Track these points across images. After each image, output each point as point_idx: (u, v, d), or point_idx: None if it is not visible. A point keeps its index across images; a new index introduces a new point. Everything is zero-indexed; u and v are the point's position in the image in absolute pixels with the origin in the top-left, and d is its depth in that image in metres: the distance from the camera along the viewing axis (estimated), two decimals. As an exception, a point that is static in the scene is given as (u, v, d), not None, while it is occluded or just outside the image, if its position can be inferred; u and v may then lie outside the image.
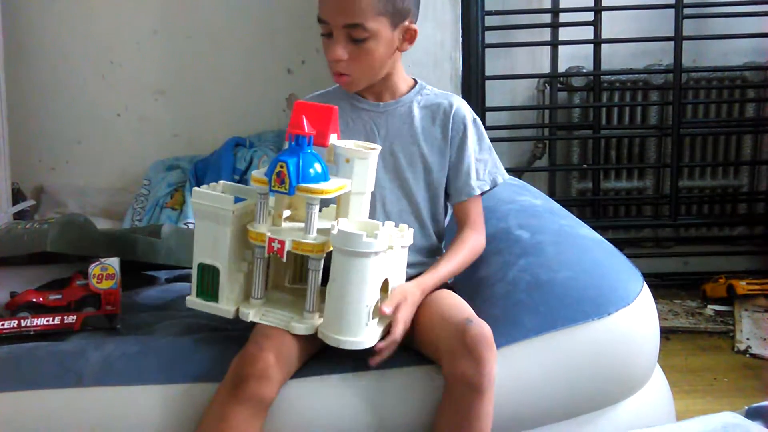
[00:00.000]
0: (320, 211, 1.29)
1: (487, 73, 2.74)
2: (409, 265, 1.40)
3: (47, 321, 1.47)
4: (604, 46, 2.82)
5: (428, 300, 1.35)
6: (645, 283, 1.48)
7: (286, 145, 1.27)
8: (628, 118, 2.96)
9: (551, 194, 2.87)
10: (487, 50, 2.73)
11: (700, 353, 2.36)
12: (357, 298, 1.21)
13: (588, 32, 2.82)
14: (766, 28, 2.80)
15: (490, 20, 2.73)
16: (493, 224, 1.59)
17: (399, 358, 1.31)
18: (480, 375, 1.20)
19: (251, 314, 1.29)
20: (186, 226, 2.83)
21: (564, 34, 2.88)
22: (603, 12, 2.80)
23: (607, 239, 1.60)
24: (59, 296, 1.49)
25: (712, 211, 2.98)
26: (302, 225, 1.27)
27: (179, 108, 3.30)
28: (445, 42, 2.66)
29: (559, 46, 2.90)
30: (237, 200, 1.29)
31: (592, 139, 2.91)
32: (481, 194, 1.49)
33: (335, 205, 1.35)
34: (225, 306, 1.30)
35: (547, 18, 2.88)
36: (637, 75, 2.90)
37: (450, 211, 1.53)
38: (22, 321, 1.45)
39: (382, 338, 1.26)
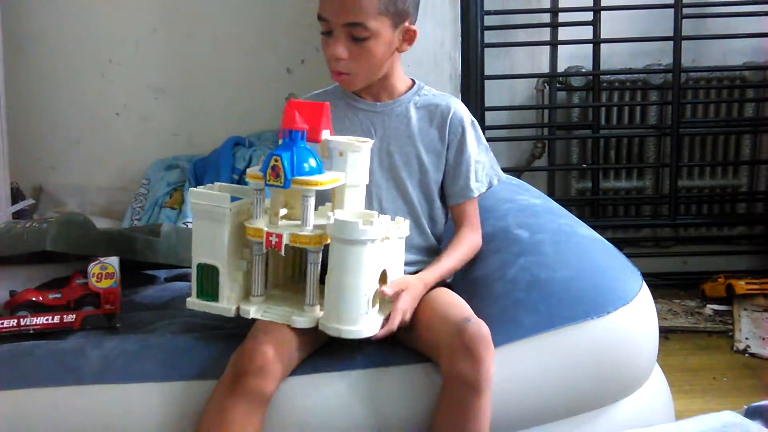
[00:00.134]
0: (316, 209, 1.30)
1: (486, 73, 2.74)
2: (408, 264, 1.41)
3: (47, 320, 1.47)
4: (603, 45, 2.82)
5: (427, 299, 1.35)
6: (644, 282, 1.48)
7: (280, 142, 1.28)
8: (627, 117, 2.96)
9: (550, 194, 2.87)
10: (486, 50, 2.73)
11: (699, 353, 2.36)
12: (355, 286, 1.22)
13: (587, 32, 2.82)
14: (766, 28, 2.80)
15: (489, 20, 2.73)
16: (492, 223, 1.59)
17: (398, 356, 1.32)
18: (478, 374, 1.21)
19: (252, 311, 1.29)
20: (185, 226, 2.82)
21: (563, 33, 2.88)
22: (602, 12, 2.80)
23: (606, 239, 1.60)
24: (59, 295, 1.49)
25: (711, 211, 2.98)
26: (299, 222, 1.28)
27: (179, 107, 3.29)
28: (444, 41, 2.66)
29: (559, 46, 2.90)
30: (234, 200, 1.31)
31: (592, 138, 2.92)
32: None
33: (330, 203, 1.36)
34: (225, 305, 1.31)
35: (546, 18, 2.88)
36: (636, 75, 2.90)
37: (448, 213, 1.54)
38: (21, 320, 1.45)
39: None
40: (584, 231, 1.60)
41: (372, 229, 1.21)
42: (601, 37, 2.81)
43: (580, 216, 1.86)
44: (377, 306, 1.28)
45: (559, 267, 1.43)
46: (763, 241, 2.97)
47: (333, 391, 1.29)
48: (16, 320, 1.45)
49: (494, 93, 2.82)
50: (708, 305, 2.69)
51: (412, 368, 1.31)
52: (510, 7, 2.83)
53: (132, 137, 3.30)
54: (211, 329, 1.44)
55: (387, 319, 1.28)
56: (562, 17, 2.87)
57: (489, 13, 2.72)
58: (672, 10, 2.72)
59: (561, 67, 2.92)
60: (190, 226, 2.76)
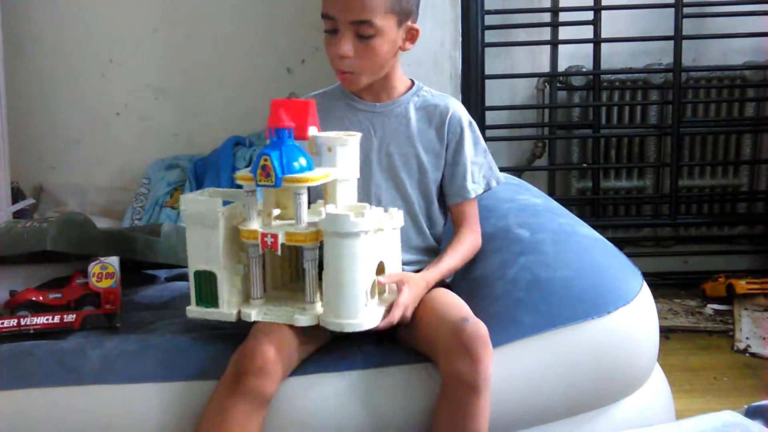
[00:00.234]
0: (309, 207, 1.30)
1: (486, 72, 2.74)
2: (407, 264, 1.41)
3: (47, 320, 1.47)
4: (603, 45, 2.82)
5: (426, 298, 1.35)
6: (644, 282, 1.48)
7: (267, 141, 1.28)
8: (627, 117, 2.96)
9: (551, 193, 2.87)
10: (486, 49, 2.73)
11: (699, 352, 2.36)
12: (352, 279, 1.22)
13: (588, 31, 2.82)
14: (766, 27, 2.80)
15: (489, 19, 2.73)
16: (493, 223, 1.59)
17: (398, 356, 1.32)
18: (476, 374, 1.21)
19: (253, 314, 1.29)
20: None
21: (564, 33, 2.89)
22: (603, 11, 2.80)
23: (606, 238, 1.60)
24: (59, 295, 1.50)
25: (712, 211, 2.98)
26: (293, 221, 1.28)
27: (179, 107, 3.29)
28: (445, 41, 2.66)
29: (559, 46, 2.90)
30: (226, 203, 1.30)
31: (592, 138, 2.92)
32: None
33: (322, 201, 1.36)
34: (226, 310, 1.30)
35: (546, 17, 2.88)
36: (636, 74, 2.90)
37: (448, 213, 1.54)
38: (21, 320, 1.46)
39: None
40: (585, 230, 1.60)
41: (364, 220, 1.21)
42: (602, 37, 2.81)
43: (581, 215, 1.86)
44: (376, 298, 1.27)
45: (560, 266, 1.43)
46: (763, 240, 2.97)
47: (333, 391, 1.29)
48: (16, 320, 1.45)
49: (495, 92, 2.82)
50: (708, 305, 2.69)
51: (412, 368, 1.31)
52: (510, 7, 2.83)
53: (132, 137, 3.30)
54: (211, 329, 1.44)
55: (388, 311, 1.28)
56: (563, 17, 2.87)
57: (489, 12, 2.72)
58: (672, 9, 2.72)
59: (561, 67, 2.92)
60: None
